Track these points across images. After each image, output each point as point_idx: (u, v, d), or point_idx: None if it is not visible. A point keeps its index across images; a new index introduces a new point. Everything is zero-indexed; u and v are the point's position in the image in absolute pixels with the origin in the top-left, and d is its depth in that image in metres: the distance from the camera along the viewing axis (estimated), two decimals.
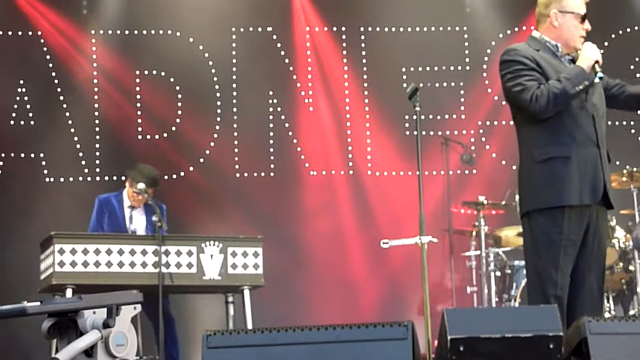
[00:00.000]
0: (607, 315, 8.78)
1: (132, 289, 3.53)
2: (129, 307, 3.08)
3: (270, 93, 11.76)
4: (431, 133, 11.17)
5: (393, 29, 12.03)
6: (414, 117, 6.61)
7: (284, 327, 4.56)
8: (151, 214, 8.43)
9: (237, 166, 11.58)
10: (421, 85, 6.68)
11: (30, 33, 11.37)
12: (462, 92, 12.05)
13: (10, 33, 11.32)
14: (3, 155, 11.13)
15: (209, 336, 4.37)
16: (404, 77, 11.80)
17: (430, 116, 11.66)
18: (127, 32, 11.61)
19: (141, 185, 8.42)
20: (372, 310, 11.10)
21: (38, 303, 2.70)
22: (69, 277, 7.51)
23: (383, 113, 11.90)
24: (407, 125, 11.79)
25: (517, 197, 8.46)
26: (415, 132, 6.57)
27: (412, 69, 11.92)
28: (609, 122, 5.94)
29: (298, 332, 4.51)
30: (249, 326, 7.87)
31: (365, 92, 12.04)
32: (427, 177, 10.44)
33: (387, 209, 11.57)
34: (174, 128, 11.52)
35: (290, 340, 4.45)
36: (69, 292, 7.45)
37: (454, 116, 11.98)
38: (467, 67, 12.04)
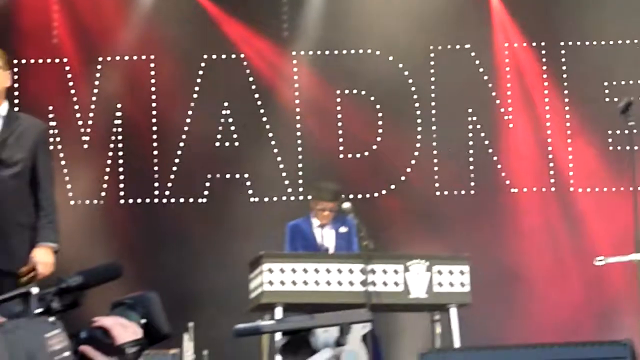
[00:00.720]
0: None
1: (339, 308, 3.55)
2: (359, 325, 3.10)
3: (470, 110, 11.67)
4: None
5: (594, 43, 11.75)
6: (625, 131, 6.42)
7: (500, 345, 4.50)
8: (339, 228, 8.55)
9: (437, 184, 11.54)
10: (632, 98, 6.49)
11: (233, 56, 11.67)
12: None
13: (214, 57, 11.65)
14: (209, 176, 11.45)
15: (424, 355, 4.35)
16: (606, 91, 11.50)
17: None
18: (327, 52, 11.77)
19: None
20: (587, 328, 10.77)
21: (273, 322, 2.75)
22: (278, 296, 7.64)
23: (585, 128, 11.62)
24: (610, 140, 11.46)
25: None
26: (626, 147, 6.39)
27: (614, 82, 11.60)
28: None
29: (514, 351, 4.44)
30: (456, 345, 7.80)
31: (567, 108, 11.78)
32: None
33: (595, 225, 11.27)
34: (374, 147, 11.57)
35: (507, 359, 4.39)
36: (278, 311, 7.57)
37: None
38: None
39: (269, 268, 7.65)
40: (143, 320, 2.76)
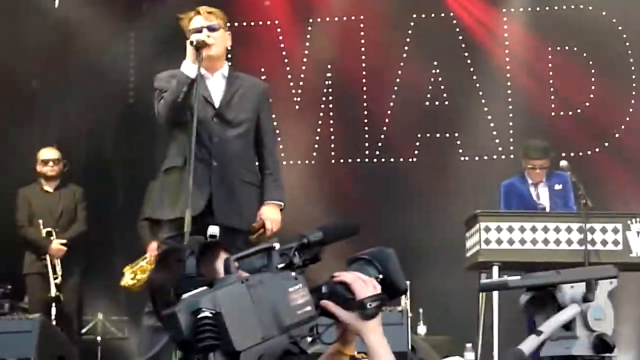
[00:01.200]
0: None
1: (556, 267, 3.49)
2: (605, 281, 3.05)
3: None
4: None
5: None
6: None
7: None
8: (553, 185, 8.40)
9: None
10: None
11: (443, 15, 11.61)
12: None
13: (424, 16, 11.62)
14: (419, 135, 11.45)
15: None
16: None
17: None
18: (538, 8, 11.54)
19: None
20: None
21: (518, 277, 2.74)
22: (494, 254, 7.58)
23: None
24: None
25: None
26: None
27: None
28: None
29: None
30: None
31: None
32: None
33: None
34: (587, 104, 11.29)
35: None
36: (495, 270, 7.52)
37: None
38: None
39: (485, 226, 7.60)
40: (380, 276, 2.78)
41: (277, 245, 2.71)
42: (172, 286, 2.76)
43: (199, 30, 5.57)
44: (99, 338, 9.96)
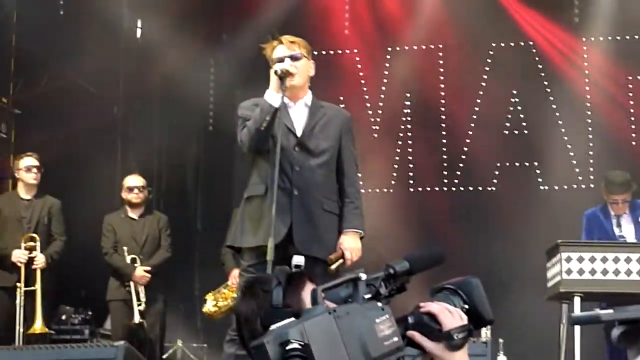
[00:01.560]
0: None
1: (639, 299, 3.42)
2: None
3: None
4: None
5: None
6: None
7: None
8: (638, 217, 8.26)
9: None
10: None
11: (522, 43, 11.55)
12: None
13: (503, 44, 11.57)
14: (498, 164, 11.39)
15: None
16: None
17: None
18: (618, 37, 11.43)
19: None
20: None
21: (611, 310, 2.69)
22: (576, 285, 7.47)
23: None
24: None
25: None
26: None
27: None
28: None
29: None
30: None
31: None
32: None
33: None
34: None
35: None
36: (576, 301, 7.42)
37: None
38: None
39: (567, 257, 7.51)
40: (466, 306, 2.77)
41: (363, 276, 2.71)
42: (259, 316, 2.77)
43: (282, 60, 5.58)
44: None
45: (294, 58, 5.60)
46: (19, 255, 8.36)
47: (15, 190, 8.79)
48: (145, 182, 9.25)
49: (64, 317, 9.98)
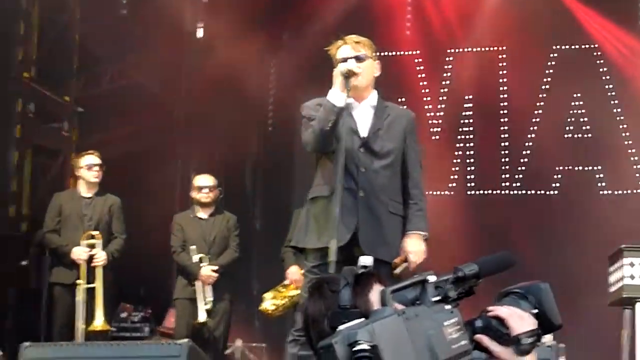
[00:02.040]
0: None
1: None
2: None
3: None
4: None
5: None
6: None
7: None
8: None
9: None
10: None
11: (586, 46, 11.44)
12: None
13: (565, 47, 11.47)
14: (559, 168, 11.29)
15: None
16: None
17: None
18: None
19: None
20: None
21: None
22: (639, 290, 7.39)
23: None
24: None
25: None
26: None
27: None
28: None
29: None
30: None
31: None
32: None
33: None
34: None
35: None
36: (638, 306, 7.32)
37: None
38: None
39: (630, 262, 7.41)
40: (535, 310, 2.74)
41: (432, 278, 2.70)
42: (326, 317, 2.76)
43: (346, 60, 5.55)
44: None
45: (358, 59, 5.57)
46: (79, 253, 8.41)
47: (76, 188, 8.85)
48: (215, 182, 9.20)
49: (123, 315, 10.05)
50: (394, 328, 2.49)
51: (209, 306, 8.75)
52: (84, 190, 8.74)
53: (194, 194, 9.14)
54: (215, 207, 9.20)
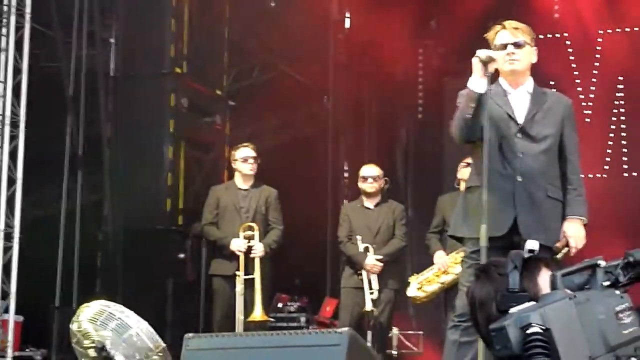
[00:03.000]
0: None
1: None
2: None
3: None
4: None
5: None
6: None
7: None
8: None
9: None
10: None
11: None
12: None
13: None
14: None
15: None
16: None
17: None
18: None
19: None
20: None
21: None
22: None
23: None
24: None
25: None
26: None
27: None
28: None
29: None
30: None
31: None
32: None
33: None
34: None
35: None
36: None
37: None
38: None
39: None
40: None
41: (602, 263, 2.66)
42: (495, 300, 2.75)
43: (505, 47, 5.50)
44: (394, 352, 10.07)
45: (517, 45, 5.51)
46: (238, 244, 8.53)
47: (232, 180, 8.99)
48: (381, 172, 9.21)
49: (280, 305, 10.17)
50: (566, 312, 2.48)
51: (374, 295, 8.77)
52: (240, 183, 8.87)
53: (360, 184, 9.18)
54: (381, 196, 9.22)
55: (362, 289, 8.81)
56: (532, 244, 2.80)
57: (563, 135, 5.63)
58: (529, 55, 5.61)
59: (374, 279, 8.82)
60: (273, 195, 8.88)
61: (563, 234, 5.50)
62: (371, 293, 8.77)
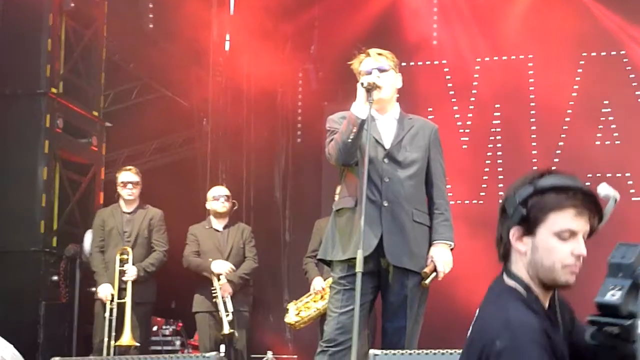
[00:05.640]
0: None
1: None
2: None
3: None
4: None
5: None
6: None
7: None
8: None
9: None
10: None
11: (613, 53, 11.35)
12: None
13: (594, 54, 11.39)
14: (589, 175, 11.17)
15: None
16: None
17: None
18: None
19: None
20: None
21: None
22: None
23: None
24: None
25: None
26: None
27: None
28: None
29: None
30: None
31: None
32: None
33: None
34: None
35: None
36: None
37: None
38: None
39: None
40: None
41: None
42: None
43: (369, 72, 5.55)
44: None
45: (381, 70, 5.57)
46: (105, 293, 8.55)
47: (117, 203, 8.96)
48: (229, 193, 9.27)
49: (155, 328, 10.07)
50: None
51: (230, 317, 8.75)
52: (124, 206, 8.85)
53: (209, 205, 9.17)
54: (229, 218, 9.24)
55: (215, 312, 8.78)
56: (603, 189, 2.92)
57: (430, 160, 5.70)
58: (394, 80, 5.68)
59: (229, 301, 8.80)
60: (157, 216, 8.88)
61: (430, 258, 5.55)
62: (227, 315, 8.74)
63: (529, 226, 3.00)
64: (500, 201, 3.15)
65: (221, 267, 8.87)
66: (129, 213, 8.82)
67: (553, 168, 3.08)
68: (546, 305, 3.02)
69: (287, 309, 9.04)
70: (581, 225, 2.98)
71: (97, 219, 8.93)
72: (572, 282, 2.99)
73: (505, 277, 3.08)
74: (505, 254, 3.10)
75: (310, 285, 8.91)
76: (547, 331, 2.88)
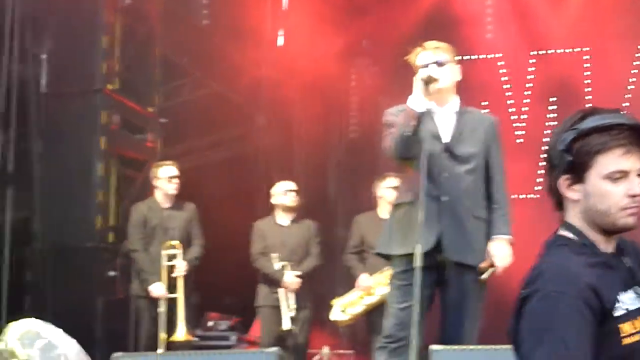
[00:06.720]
0: None
1: None
2: None
3: None
4: None
5: None
6: None
7: None
8: None
9: None
10: None
11: None
12: None
13: None
14: None
15: None
16: None
17: None
18: None
19: None
20: None
21: None
22: None
23: None
24: None
25: None
26: None
27: None
28: None
29: None
30: None
31: None
32: None
33: None
34: None
35: None
36: None
37: None
38: None
39: None
40: None
41: None
42: None
43: (427, 66, 5.51)
44: None
45: (439, 64, 5.53)
46: (158, 292, 8.48)
47: (153, 198, 8.94)
48: (297, 187, 9.18)
49: (210, 324, 10.08)
50: None
51: (292, 313, 8.69)
52: (163, 201, 8.82)
53: (280, 198, 9.06)
54: (297, 214, 9.16)
55: (279, 307, 8.73)
56: None
57: (488, 155, 5.65)
58: (452, 73, 5.65)
59: (292, 297, 8.74)
60: (194, 210, 8.85)
61: (489, 253, 5.51)
62: (289, 311, 8.69)
63: (578, 173, 2.86)
64: (545, 148, 3.04)
65: (291, 282, 8.79)
66: (169, 208, 8.81)
67: (594, 107, 2.96)
68: (609, 250, 2.89)
69: (332, 306, 8.98)
70: (632, 163, 2.80)
71: (136, 215, 8.83)
72: (633, 224, 2.82)
73: (560, 229, 2.99)
74: (558, 203, 3.00)
75: (357, 283, 8.83)
76: (597, 276, 2.75)
